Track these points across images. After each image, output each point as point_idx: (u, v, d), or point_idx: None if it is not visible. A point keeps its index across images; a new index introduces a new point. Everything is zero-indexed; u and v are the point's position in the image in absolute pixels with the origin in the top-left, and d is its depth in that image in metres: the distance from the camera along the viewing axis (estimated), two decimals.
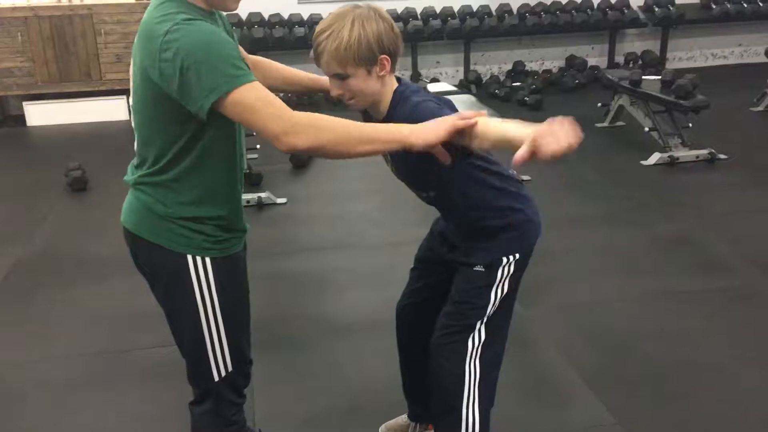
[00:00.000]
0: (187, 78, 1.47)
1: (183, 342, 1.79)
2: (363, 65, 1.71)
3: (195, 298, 1.70)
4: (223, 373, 1.79)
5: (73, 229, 4.26)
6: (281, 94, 1.81)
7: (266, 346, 3.00)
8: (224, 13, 1.75)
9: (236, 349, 1.79)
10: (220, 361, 1.77)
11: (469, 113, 1.60)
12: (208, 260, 1.69)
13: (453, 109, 1.79)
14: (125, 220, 1.74)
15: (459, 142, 1.61)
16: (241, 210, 1.79)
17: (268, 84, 1.65)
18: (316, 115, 1.57)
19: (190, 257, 1.67)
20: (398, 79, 1.84)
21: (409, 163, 1.83)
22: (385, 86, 1.78)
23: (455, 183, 1.85)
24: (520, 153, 1.44)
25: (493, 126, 1.58)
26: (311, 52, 1.76)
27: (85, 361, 2.94)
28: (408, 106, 1.75)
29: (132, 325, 3.11)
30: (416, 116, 1.68)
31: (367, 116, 1.88)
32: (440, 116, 1.64)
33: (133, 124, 1.71)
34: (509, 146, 1.52)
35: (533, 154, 1.44)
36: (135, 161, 1.72)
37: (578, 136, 1.46)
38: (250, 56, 1.95)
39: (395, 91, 1.80)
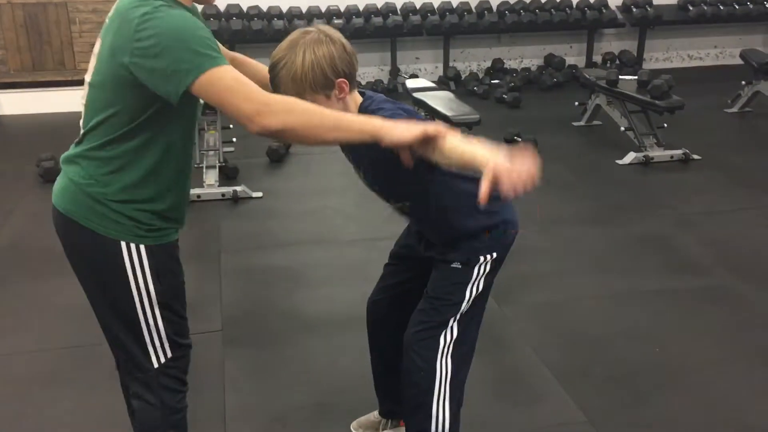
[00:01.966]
0: (163, 60, 1.47)
1: (116, 333, 1.75)
2: (320, 91, 1.71)
3: (129, 286, 1.67)
4: (162, 360, 1.76)
5: (43, 221, 4.16)
6: None
7: (237, 341, 2.98)
8: (198, 10, 1.72)
9: (173, 336, 1.77)
10: (158, 349, 1.75)
11: (443, 128, 1.59)
12: (142, 248, 1.67)
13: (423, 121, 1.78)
14: (57, 201, 1.70)
15: (422, 152, 1.60)
16: (185, 202, 1.77)
17: None
18: (291, 98, 1.58)
19: (123, 244, 1.65)
20: (362, 93, 1.83)
21: (382, 173, 1.82)
22: (347, 106, 1.77)
23: (429, 192, 1.85)
24: (483, 192, 1.44)
25: (458, 145, 1.56)
26: (270, 84, 1.76)
27: (53, 356, 2.90)
28: None
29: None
30: None
31: None
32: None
33: (83, 101, 1.67)
34: (471, 167, 1.52)
35: (495, 188, 1.44)
36: (78, 138, 1.68)
37: (537, 170, 1.45)
38: (229, 52, 1.93)
39: (360, 108, 1.80)
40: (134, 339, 1.73)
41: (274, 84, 1.74)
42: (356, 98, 1.81)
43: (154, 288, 1.70)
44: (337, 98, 1.75)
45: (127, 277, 1.67)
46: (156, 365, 1.76)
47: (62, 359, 2.87)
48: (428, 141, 1.56)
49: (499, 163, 1.44)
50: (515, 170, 1.42)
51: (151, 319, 1.72)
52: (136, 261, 1.67)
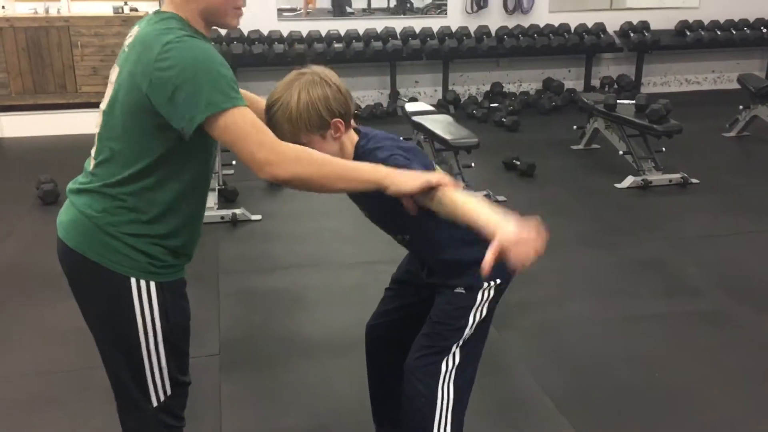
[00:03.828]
0: (182, 91, 1.45)
1: (117, 370, 1.72)
2: (316, 132, 1.73)
3: (136, 324, 1.64)
4: (162, 398, 1.73)
5: (41, 243, 4.18)
6: None
7: (234, 364, 2.96)
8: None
9: (175, 374, 1.74)
10: (159, 387, 1.72)
11: (446, 179, 1.60)
12: (152, 284, 1.64)
13: (422, 160, 1.79)
14: (66, 235, 1.65)
15: (423, 200, 1.62)
16: (197, 238, 1.75)
17: None
18: (302, 147, 1.58)
19: (134, 280, 1.62)
20: (357, 131, 1.84)
21: (383, 210, 1.83)
22: (344, 145, 1.79)
23: (430, 225, 1.85)
24: (487, 262, 1.45)
25: (461, 202, 1.57)
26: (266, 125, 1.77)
27: (48, 379, 2.88)
28: (374, 161, 1.74)
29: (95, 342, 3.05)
30: None
31: None
32: (407, 168, 1.64)
33: (96, 129, 1.64)
34: (473, 227, 1.53)
35: (499, 257, 1.45)
36: (90, 167, 1.64)
37: (544, 241, 1.46)
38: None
39: (356, 147, 1.81)
40: (135, 377, 1.70)
41: (271, 124, 1.73)
42: (352, 137, 1.82)
43: (161, 326, 1.67)
44: (333, 138, 1.76)
45: (135, 313, 1.64)
46: (155, 404, 1.73)
47: (58, 383, 2.85)
48: (431, 191, 1.58)
49: (508, 235, 1.44)
50: (523, 243, 1.44)
51: (154, 356, 1.69)
52: (145, 298, 1.64)
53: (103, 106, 1.63)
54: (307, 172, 1.54)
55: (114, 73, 1.62)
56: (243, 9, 1.66)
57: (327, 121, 1.73)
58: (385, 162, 1.72)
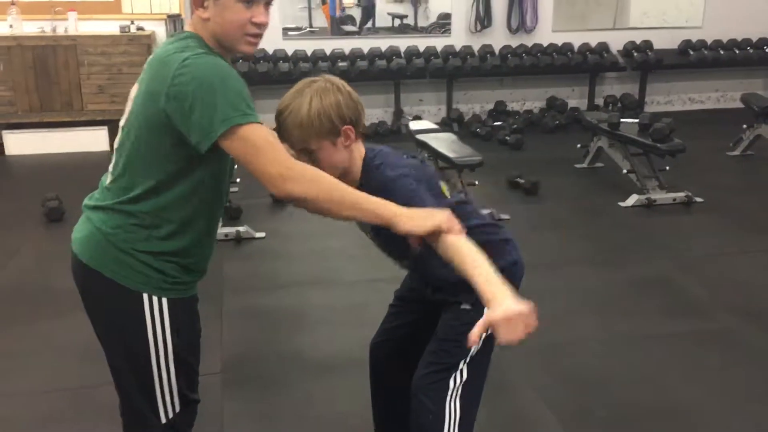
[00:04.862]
0: (198, 106, 1.47)
1: (126, 385, 1.72)
2: (326, 138, 1.73)
3: (147, 340, 1.65)
4: (171, 415, 1.73)
5: (47, 261, 4.19)
6: None
7: (238, 383, 2.95)
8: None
9: (185, 391, 1.75)
10: (168, 403, 1.72)
11: (454, 225, 1.60)
12: (164, 301, 1.65)
13: (428, 184, 1.79)
14: (80, 250, 1.66)
15: (428, 240, 1.63)
16: (210, 254, 1.76)
17: None
18: (315, 169, 1.59)
19: (146, 296, 1.63)
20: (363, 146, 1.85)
21: (388, 234, 1.83)
22: (353, 154, 1.80)
23: (431, 256, 1.84)
24: (474, 334, 1.48)
25: (465, 252, 1.58)
26: (275, 131, 1.77)
27: (53, 397, 2.87)
28: (382, 178, 1.76)
29: (102, 360, 3.04)
30: (395, 192, 1.69)
31: None
32: (420, 202, 1.65)
33: (115, 145, 1.66)
34: (469, 281, 1.55)
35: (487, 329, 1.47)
36: (107, 183, 1.66)
37: (533, 326, 1.49)
38: None
39: (365, 160, 1.81)
40: (145, 393, 1.70)
41: (280, 131, 1.74)
42: (361, 149, 1.83)
43: (172, 342, 1.67)
44: (343, 146, 1.76)
45: (147, 329, 1.64)
46: (164, 420, 1.73)
47: (64, 400, 2.85)
48: (438, 233, 1.59)
49: (501, 313, 1.45)
50: (515, 321, 1.45)
51: (164, 373, 1.69)
52: (156, 314, 1.65)
53: (122, 122, 1.65)
54: (321, 193, 1.54)
55: (133, 90, 1.64)
56: (256, 39, 1.62)
57: (338, 127, 1.73)
58: (394, 182, 1.73)
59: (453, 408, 1.92)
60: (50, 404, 2.82)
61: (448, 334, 1.93)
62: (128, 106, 1.64)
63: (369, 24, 7.97)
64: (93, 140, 6.70)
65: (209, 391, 2.83)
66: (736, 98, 8.18)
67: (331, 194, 1.56)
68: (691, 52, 8.09)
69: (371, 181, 1.78)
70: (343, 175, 1.82)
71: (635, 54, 8.02)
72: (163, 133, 1.54)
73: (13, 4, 6.61)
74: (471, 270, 1.55)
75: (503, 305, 1.46)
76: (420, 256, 1.85)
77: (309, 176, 1.54)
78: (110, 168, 1.67)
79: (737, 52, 8.20)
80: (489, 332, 1.91)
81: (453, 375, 1.91)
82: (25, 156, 6.68)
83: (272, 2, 1.64)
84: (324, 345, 3.26)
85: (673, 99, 8.61)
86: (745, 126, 6.46)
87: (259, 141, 1.49)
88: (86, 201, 1.70)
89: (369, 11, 7.90)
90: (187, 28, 1.65)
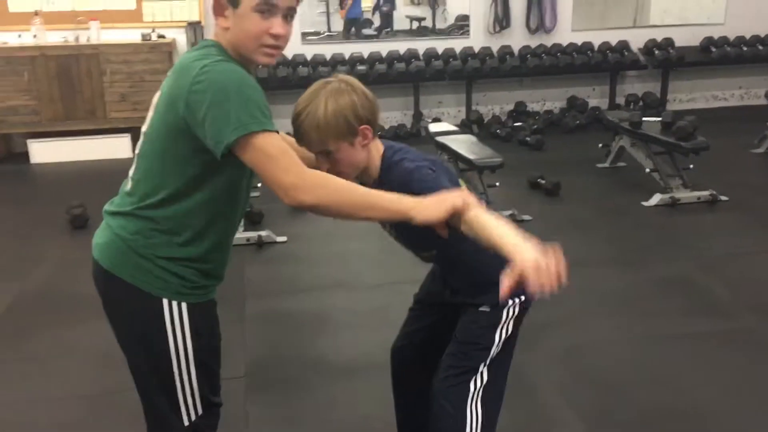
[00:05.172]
0: (213, 112, 1.47)
1: (149, 389, 1.74)
2: (344, 139, 1.73)
3: (168, 345, 1.66)
4: (193, 418, 1.75)
5: (71, 267, 4.25)
6: None
7: (262, 387, 2.97)
8: None
9: (207, 394, 1.76)
10: (190, 406, 1.73)
11: (470, 199, 1.59)
12: (184, 306, 1.66)
13: (448, 174, 1.79)
14: (100, 256, 1.68)
15: (451, 222, 1.61)
16: (227, 260, 1.77)
17: None
18: (327, 175, 1.59)
19: (165, 301, 1.64)
20: (381, 142, 1.84)
21: (409, 226, 1.84)
22: (371, 153, 1.80)
23: (458, 239, 1.85)
24: (505, 287, 1.43)
25: (485, 223, 1.56)
26: (293, 134, 1.77)
27: (77, 403, 2.91)
28: (401, 171, 1.76)
29: (123, 366, 3.07)
30: (412, 183, 1.69)
31: (360, 182, 1.87)
32: (437, 187, 1.64)
33: (137, 150, 1.68)
34: (494, 248, 1.52)
35: (518, 282, 1.43)
36: (127, 188, 1.68)
37: (565, 273, 1.44)
38: None
39: (383, 157, 1.81)
40: (167, 396, 1.72)
41: (298, 134, 1.75)
42: (379, 146, 1.83)
43: (193, 346, 1.69)
44: (361, 145, 1.77)
45: (167, 334, 1.66)
46: (186, 423, 1.74)
47: (86, 406, 2.88)
48: (457, 214, 1.57)
49: (529, 261, 1.42)
50: (544, 270, 1.41)
51: (186, 376, 1.71)
52: (176, 319, 1.66)
53: (144, 127, 1.67)
54: (332, 199, 1.54)
55: (156, 96, 1.66)
56: (273, 50, 1.61)
57: (355, 128, 1.73)
58: (413, 172, 1.73)
59: (474, 411, 1.91)
60: (71, 410, 2.85)
61: (467, 337, 1.92)
62: (150, 112, 1.66)
63: (388, 28, 7.99)
64: (116, 147, 6.77)
65: (233, 395, 2.85)
66: (760, 95, 8.08)
67: (344, 198, 1.55)
68: (714, 49, 7.99)
69: (391, 176, 1.77)
70: (363, 174, 1.83)
71: (656, 52, 7.94)
72: (183, 139, 1.55)
73: (36, 14, 6.71)
74: (494, 237, 1.52)
75: (527, 254, 1.43)
76: (443, 244, 1.82)
77: (321, 184, 1.53)
78: (131, 173, 1.68)
79: (761, 48, 8.09)
80: (509, 333, 1.91)
81: (473, 378, 1.90)
82: (50, 164, 6.77)
83: (294, 14, 1.62)
84: (346, 348, 3.26)
85: (696, 96, 8.52)
86: None
87: (271, 149, 1.49)
88: (106, 207, 1.73)
89: (388, 16, 7.92)
90: (210, 36, 1.66)
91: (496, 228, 1.54)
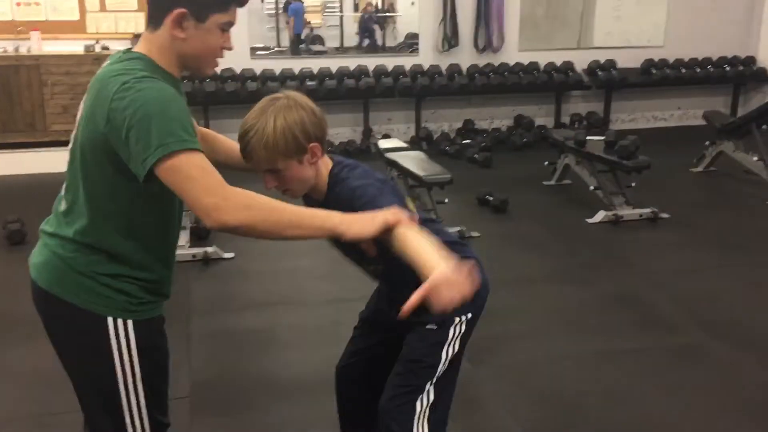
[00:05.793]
0: (135, 132, 1.42)
1: (94, 411, 1.68)
2: (293, 157, 1.71)
3: (114, 365, 1.61)
4: None
5: (7, 285, 4.09)
6: None
7: (208, 407, 2.89)
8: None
9: (155, 414, 1.70)
10: (137, 428, 1.67)
11: (402, 216, 1.58)
12: (130, 323, 1.60)
13: (394, 193, 1.77)
14: (38, 276, 1.62)
15: (383, 238, 1.59)
16: (171, 275, 1.72)
17: (212, 158, 1.62)
18: (252, 193, 1.51)
19: (110, 320, 1.59)
20: (331, 158, 1.83)
21: (357, 247, 1.82)
22: (319, 171, 1.78)
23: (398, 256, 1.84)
24: (410, 303, 1.43)
25: (407, 239, 1.55)
26: (240, 151, 1.74)
27: (15, 426, 2.78)
28: (346, 189, 1.74)
29: (66, 386, 2.96)
30: (354, 201, 1.68)
31: (308, 198, 1.86)
32: (380, 204, 1.62)
33: (66, 168, 1.62)
34: (414, 266, 1.51)
35: (426, 299, 1.43)
36: (61, 208, 1.62)
37: (474, 285, 1.45)
38: (199, 128, 1.91)
39: (330, 173, 1.79)
40: (113, 417, 1.65)
41: (246, 153, 1.72)
42: (327, 163, 1.81)
43: (140, 365, 1.63)
44: (310, 163, 1.74)
45: (112, 353, 1.60)
46: None
47: (29, 428, 2.76)
48: (389, 229, 1.56)
49: (438, 279, 1.42)
50: (449, 286, 1.41)
51: (133, 397, 1.65)
52: (122, 337, 1.60)
53: (70, 144, 1.62)
54: (257, 220, 1.48)
55: (79, 112, 1.61)
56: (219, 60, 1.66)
57: (304, 145, 1.71)
58: (356, 190, 1.71)
59: (421, 430, 1.89)
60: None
61: (413, 355, 1.91)
62: (74, 130, 1.61)
63: (367, 41, 8.05)
64: (56, 161, 6.50)
65: (178, 416, 2.75)
66: (698, 115, 8.33)
67: (269, 217, 1.49)
68: (654, 71, 8.25)
69: (337, 193, 1.76)
70: (311, 191, 1.81)
71: (599, 73, 8.16)
72: (107, 157, 1.50)
73: None
74: (414, 254, 1.51)
75: (438, 271, 1.43)
76: (388, 259, 1.83)
77: (245, 204, 1.47)
78: (62, 191, 1.63)
79: (698, 70, 8.39)
80: (456, 351, 1.90)
81: (420, 397, 1.89)
82: None
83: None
84: (295, 366, 3.21)
85: (637, 117, 8.76)
86: (707, 143, 6.58)
87: (191, 170, 1.44)
88: (43, 226, 1.67)
89: (367, 28, 8.00)
90: (139, 47, 1.60)
91: (416, 245, 1.53)
